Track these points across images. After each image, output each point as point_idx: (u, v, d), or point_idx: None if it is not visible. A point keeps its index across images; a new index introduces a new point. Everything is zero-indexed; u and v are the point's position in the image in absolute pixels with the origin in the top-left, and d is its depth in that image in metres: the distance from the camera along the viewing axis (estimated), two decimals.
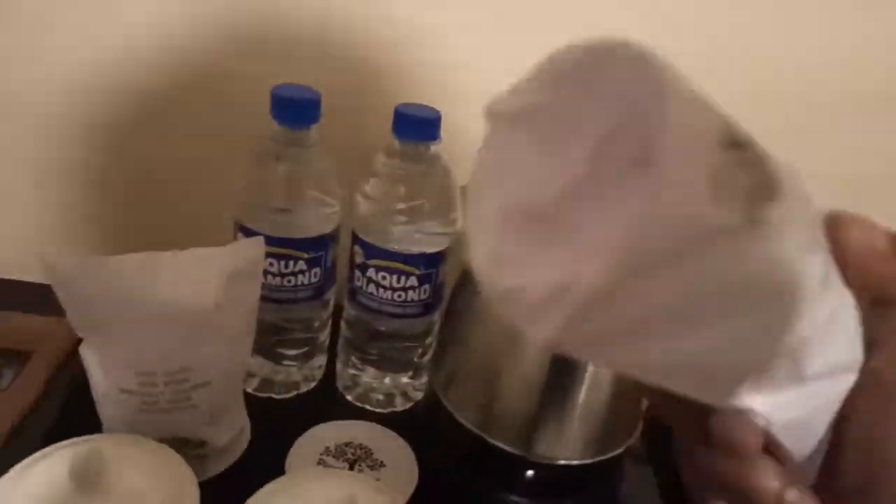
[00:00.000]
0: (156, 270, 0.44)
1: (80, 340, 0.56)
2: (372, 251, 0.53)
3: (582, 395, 0.47)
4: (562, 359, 0.47)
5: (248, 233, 0.52)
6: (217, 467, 0.49)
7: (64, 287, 0.42)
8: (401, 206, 0.52)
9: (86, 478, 0.36)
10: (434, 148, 0.52)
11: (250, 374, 0.57)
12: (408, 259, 0.53)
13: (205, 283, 0.44)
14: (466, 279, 0.52)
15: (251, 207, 0.52)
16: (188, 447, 0.46)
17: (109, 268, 0.43)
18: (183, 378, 0.45)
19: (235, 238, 0.53)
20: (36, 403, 0.51)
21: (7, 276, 0.66)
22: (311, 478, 0.42)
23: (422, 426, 0.56)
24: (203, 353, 0.45)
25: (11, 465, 0.38)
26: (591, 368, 0.46)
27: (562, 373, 0.47)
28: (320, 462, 0.50)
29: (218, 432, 0.48)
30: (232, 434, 0.50)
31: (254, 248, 0.46)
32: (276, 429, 0.52)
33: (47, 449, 0.39)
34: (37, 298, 0.57)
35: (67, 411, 0.52)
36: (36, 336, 0.57)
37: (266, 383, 0.57)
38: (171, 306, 0.43)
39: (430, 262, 0.53)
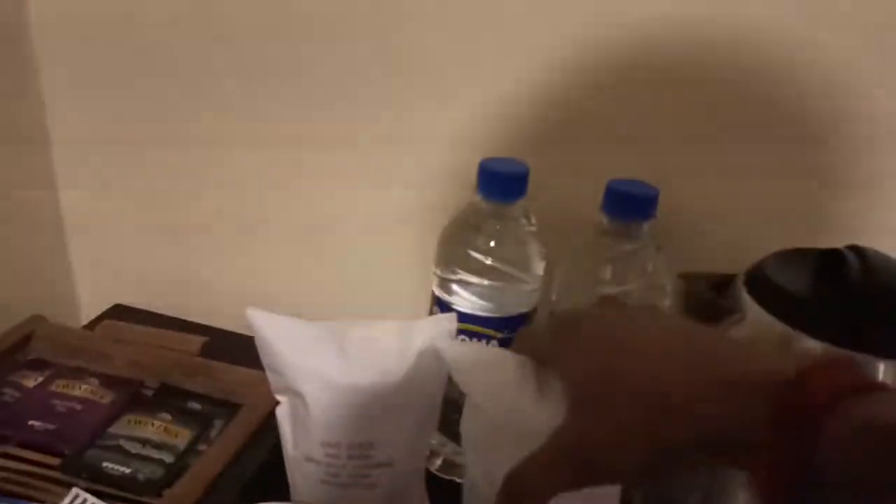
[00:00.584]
0: (352, 339, 0.44)
1: None
2: None
3: None
4: None
5: (445, 307, 0.50)
6: None
7: (263, 345, 0.43)
8: (607, 290, 0.47)
9: None
10: (646, 227, 0.47)
11: (433, 454, 0.55)
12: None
13: (395, 355, 0.43)
14: None
15: (448, 281, 0.51)
16: None
17: (310, 332, 0.43)
18: (366, 454, 0.43)
19: (431, 311, 0.52)
20: (237, 457, 0.53)
21: (228, 328, 0.72)
22: None
23: None
24: (388, 428, 0.43)
25: None
26: None
27: None
28: None
29: None
30: None
31: (447, 324, 0.45)
32: None
33: None
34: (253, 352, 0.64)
35: (266, 468, 0.54)
36: (248, 389, 0.60)
37: (449, 464, 0.55)
38: (362, 378, 0.42)
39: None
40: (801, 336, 0.37)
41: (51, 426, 0.56)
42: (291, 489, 0.47)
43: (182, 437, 0.56)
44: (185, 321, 0.75)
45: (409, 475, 0.46)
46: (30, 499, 0.49)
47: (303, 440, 0.44)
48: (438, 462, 0.55)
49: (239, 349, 0.65)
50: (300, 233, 0.70)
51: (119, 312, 0.77)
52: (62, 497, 0.50)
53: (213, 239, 0.73)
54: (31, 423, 0.56)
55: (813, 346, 0.37)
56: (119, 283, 0.79)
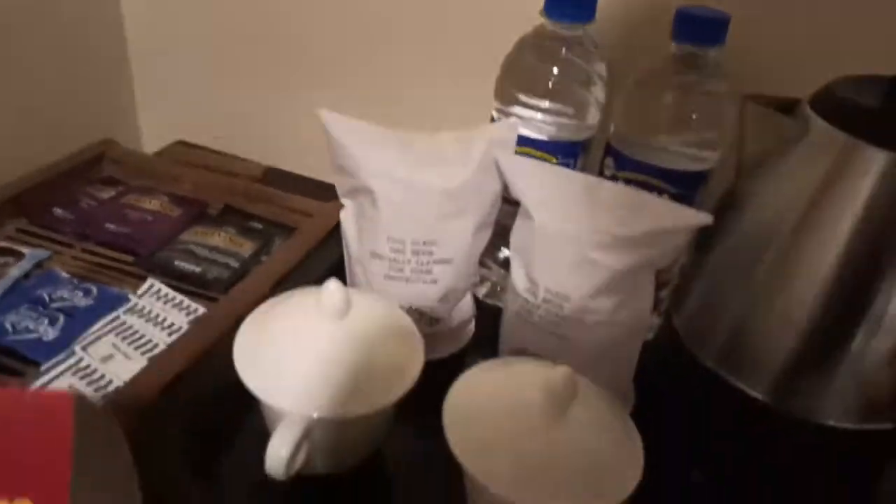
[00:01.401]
0: (417, 144, 0.46)
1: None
2: (624, 163, 0.50)
3: (858, 341, 0.40)
4: (839, 296, 0.40)
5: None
6: (441, 350, 0.50)
7: (336, 146, 0.46)
8: (666, 116, 0.48)
9: (331, 306, 0.39)
10: (715, 55, 0.47)
11: (483, 279, 0.57)
12: (664, 175, 0.49)
13: (458, 159, 0.45)
14: (727, 207, 0.47)
15: (509, 95, 0.51)
16: (422, 321, 0.48)
17: (378, 134, 0.45)
18: (428, 251, 0.46)
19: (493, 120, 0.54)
20: (298, 264, 0.57)
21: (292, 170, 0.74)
22: (529, 362, 0.41)
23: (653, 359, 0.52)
24: (450, 228, 0.46)
25: None
26: (875, 310, 0.39)
27: (837, 312, 0.40)
28: None
29: (450, 313, 0.50)
30: (461, 320, 0.51)
31: (507, 132, 0.46)
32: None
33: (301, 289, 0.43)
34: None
35: (321, 277, 0.57)
36: (305, 216, 0.63)
37: (495, 290, 0.57)
38: (427, 178, 0.44)
39: (689, 183, 0.49)
40: (863, 146, 0.38)
41: (125, 230, 0.60)
42: (352, 286, 0.50)
43: (246, 247, 0.59)
44: (243, 158, 0.77)
45: (465, 276, 0.49)
46: (107, 284, 0.54)
47: (369, 237, 0.47)
48: (486, 289, 0.58)
49: (293, 185, 0.69)
50: (362, 75, 0.71)
51: (180, 148, 0.80)
52: (134, 287, 0.54)
53: (273, 79, 0.75)
54: (107, 225, 0.60)
55: (876, 155, 0.38)
56: (181, 120, 0.81)
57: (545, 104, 0.50)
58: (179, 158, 0.68)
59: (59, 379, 0.44)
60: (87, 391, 0.44)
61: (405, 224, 0.45)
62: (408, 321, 0.42)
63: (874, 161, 0.38)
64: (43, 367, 0.45)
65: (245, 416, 0.44)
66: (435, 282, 0.47)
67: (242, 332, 0.40)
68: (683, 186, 0.49)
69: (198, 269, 0.56)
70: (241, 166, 0.67)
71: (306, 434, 0.36)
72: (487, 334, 0.52)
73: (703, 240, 0.50)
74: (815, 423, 0.43)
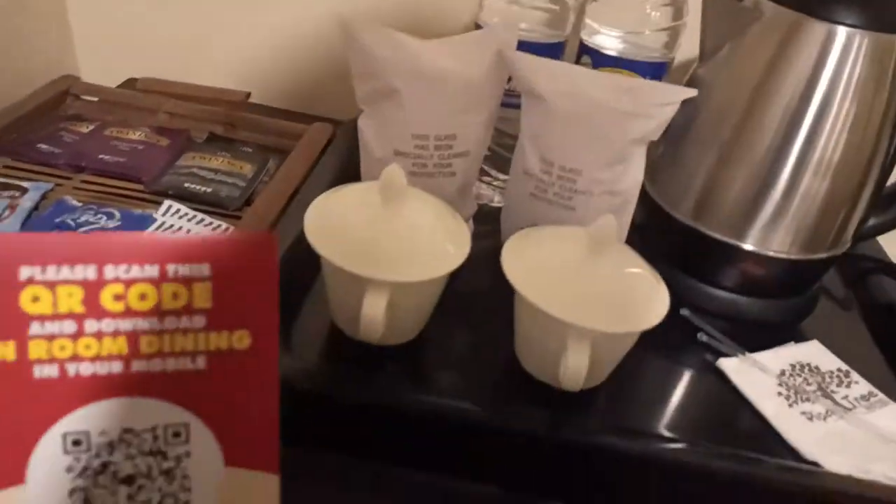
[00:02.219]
0: (434, 46, 0.51)
1: (329, 141, 0.65)
2: (600, 59, 0.58)
3: (804, 185, 0.50)
4: (788, 149, 0.50)
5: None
6: None
7: (360, 51, 0.49)
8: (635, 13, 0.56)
9: (390, 191, 0.44)
10: None
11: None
12: (634, 67, 0.57)
13: (475, 60, 0.50)
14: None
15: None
16: None
17: (399, 38, 0.50)
18: (448, 145, 0.51)
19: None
20: (303, 182, 0.60)
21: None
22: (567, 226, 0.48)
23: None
24: (467, 122, 0.51)
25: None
26: (816, 158, 0.50)
27: (786, 161, 0.50)
28: None
29: (465, 207, 0.56)
30: (469, 214, 0.57)
31: (510, 33, 0.52)
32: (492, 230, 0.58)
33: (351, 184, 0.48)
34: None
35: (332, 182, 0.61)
36: (293, 139, 0.66)
37: (479, 194, 0.64)
38: (449, 76, 0.49)
39: (655, 72, 0.57)
40: (806, 19, 0.47)
41: (120, 158, 0.60)
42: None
43: (246, 169, 0.62)
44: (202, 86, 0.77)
45: (475, 169, 0.55)
46: (124, 208, 0.55)
47: (392, 137, 0.51)
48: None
49: (267, 114, 0.71)
50: None
51: (136, 84, 0.79)
52: (153, 210, 0.55)
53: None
54: (100, 156, 0.60)
55: (817, 27, 0.47)
56: (126, 57, 0.79)
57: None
58: (150, 88, 0.68)
59: None
60: None
61: (429, 120, 0.50)
62: (451, 208, 0.48)
63: (816, 32, 0.48)
64: None
65: (302, 303, 0.48)
66: (454, 174, 0.53)
67: (310, 216, 0.44)
68: (651, 76, 0.57)
69: (208, 190, 0.58)
70: (219, 92, 0.68)
71: (390, 299, 0.42)
72: (481, 230, 0.59)
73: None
74: (766, 256, 0.53)
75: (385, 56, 0.49)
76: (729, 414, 0.47)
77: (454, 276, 0.44)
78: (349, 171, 0.55)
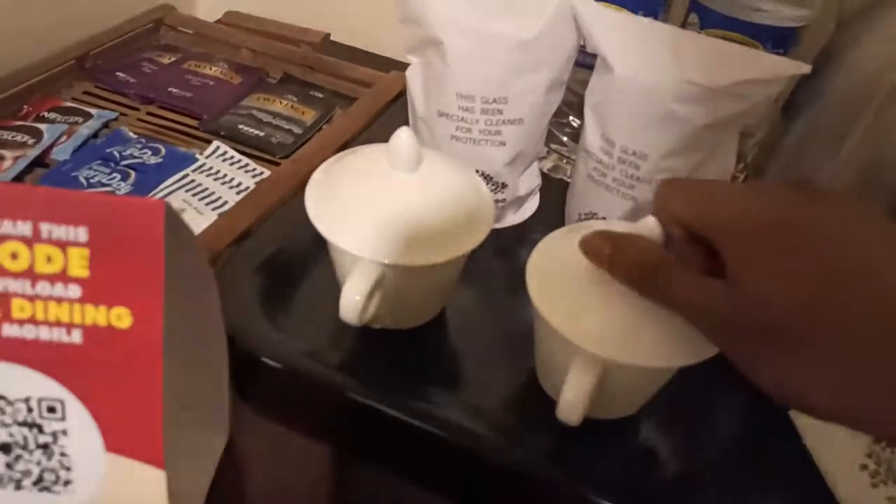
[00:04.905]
0: None
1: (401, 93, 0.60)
2: (710, 17, 0.47)
3: None
4: None
5: None
6: (505, 220, 0.50)
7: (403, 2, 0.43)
8: None
9: (402, 155, 0.38)
10: None
11: (548, 151, 0.56)
12: (753, 31, 0.45)
13: (534, 11, 0.43)
14: (821, 65, 0.44)
15: None
16: (489, 186, 0.47)
17: None
18: (498, 109, 0.44)
19: None
20: (355, 136, 0.56)
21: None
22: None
23: None
24: (522, 85, 0.44)
25: None
26: None
27: None
28: None
29: (518, 180, 0.49)
30: (527, 189, 0.50)
31: None
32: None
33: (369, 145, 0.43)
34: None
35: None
36: (366, 86, 0.62)
37: (560, 163, 0.56)
38: (500, 29, 0.42)
39: (780, 40, 0.46)
40: None
41: (188, 94, 0.59)
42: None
43: (308, 115, 0.59)
44: (302, 27, 0.75)
45: (535, 139, 0.47)
46: (173, 145, 0.54)
47: (436, 95, 0.45)
48: (550, 162, 0.56)
49: (350, 58, 0.67)
50: None
51: (231, 18, 0.78)
52: (200, 148, 0.54)
53: None
54: (171, 89, 0.59)
55: None
56: None
57: None
58: (237, 23, 0.66)
59: None
60: None
61: (475, 79, 0.44)
62: (477, 180, 0.41)
63: None
64: None
65: (313, 269, 0.45)
66: (503, 143, 0.46)
67: (314, 181, 0.39)
68: (774, 44, 0.46)
69: (261, 134, 0.56)
70: (300, 33, 0.65)
71: (379, 281, 0.37)
72: (551, 209, 0.51)
73: (793, 102, 0.47)
74: None
75: (432, 2, 0.43)
76: (791, 483, 0.38)
77: (488, 261, 0.37)
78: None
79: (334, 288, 0.38)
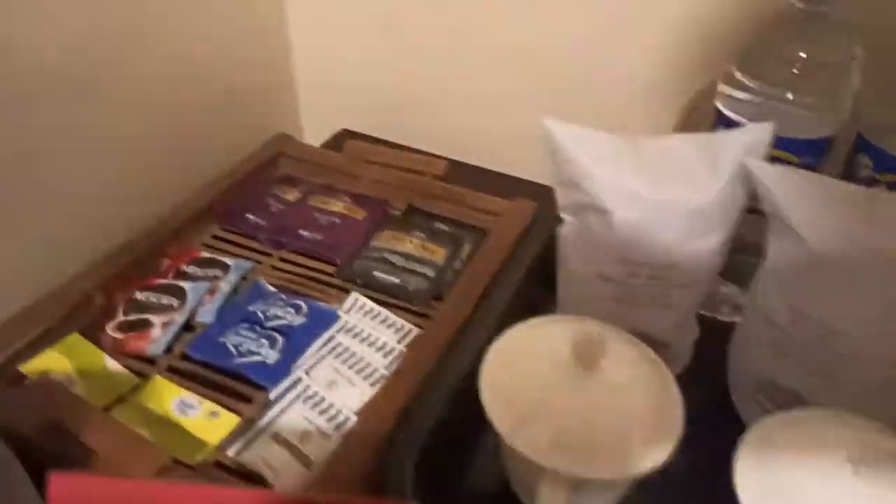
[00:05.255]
0: (651, 153, 0.42)
1: (530, 224, 0.58)
2: (887, 161, 0.44)
3: None
4: None
5: (728, 122, 0.46)
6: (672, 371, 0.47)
7: (564, 158, 0.42)
8: None
9: (586, 356, 0.36)
10: None
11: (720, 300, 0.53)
12: None
13: (708, 173, 0.40)
14: None
15: (740, 84, 0.45)
16: (651, 347, 0.44)
17: (608, 143, 0.41)
18: (668, 275, 0.42)
19: (713, 128, 0.48)
20: (495, 276, 0.54)
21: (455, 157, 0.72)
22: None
23: None
24: (694, 249, 0.41)
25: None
26: None
27: None
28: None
29: (683, 336, 0.46)
30: (691, 339, 0.47)
31: (761, 134, 0.41)
32: (720, 350, 0.47)
33: (545, 319, 0.41)
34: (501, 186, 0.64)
35: (524, 289, 0.55)
36: (493, 216, 0.60)
37: (713, 301, 0.53)
38: (673, 195, 0.40)
39: None
40: None
41: (319, 236, 0.59)
42: (562, 305, 0.47)
43: (438, 255, 0.57)
44: (424, 152, 0.75)
45: (702, 292, 0.44)
46: (308, 297, 0.53)
47: (596, 258, 0.43)
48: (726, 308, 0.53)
49: (471, 177, 0.66)
50: (539, 60, 0.66)
51: (345, 137, 0.79)
52: (337, 299, 0.53)
53: (443, 65, 0.71)
54: (300, 232, 0.59)
55: None
56: (343, 107, 0.80)
57: (788, 94, 0.44)
58: (357, 154, 0.66)
59: (290, 408, 0.44)
60: (319, 421, 0.44)
61: (645, 247, 0.41)
62: (667, 376, 0.38)
63: None
64: (272, 395, 0.45)
65: (476, 443, 0.43)
66: (670, 306, 0.43)
67: (489, 366, 0.38)
68: None
69: (397, 281, 0.54)
70: (422, 162, 0.64)
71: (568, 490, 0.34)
72: (706, 350, 0.48)
73: None
74: None
75: (592, 168, 0.41)
76: None
77: None
78: (546, 270, 0.49)
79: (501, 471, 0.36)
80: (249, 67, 0.71)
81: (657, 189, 0.40)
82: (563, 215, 0.45)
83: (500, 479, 0.41)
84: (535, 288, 0.54)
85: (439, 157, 0.65)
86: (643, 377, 0.37)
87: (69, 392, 0.42)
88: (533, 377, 0.37)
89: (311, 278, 0.56)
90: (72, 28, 0.52)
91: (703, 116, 0.52)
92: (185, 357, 0.49)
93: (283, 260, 0.58)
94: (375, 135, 0.78)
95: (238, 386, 0.47)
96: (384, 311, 0.52)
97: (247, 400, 0.46)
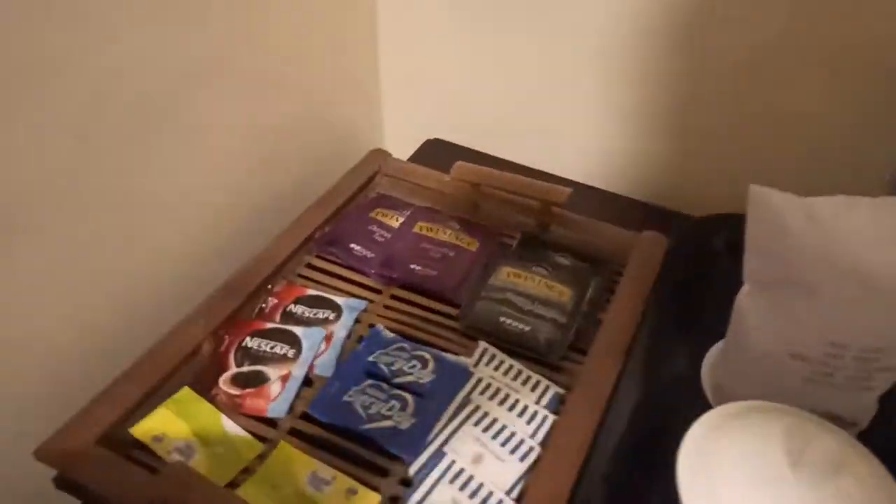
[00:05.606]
0: (856, 218, 0.37)
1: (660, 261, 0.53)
2: None
3: None
4: None
5: None
6: None
7: (767, 225, 0.37)
8: None
9: (814, 463, 0.32)
10: None
11: None
12: None
13: None
14: None
15: None
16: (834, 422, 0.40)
17: (828, 215, 0.36)
18: (875, 357, 0.37)
19: None
20: (635, 329, 0.49)
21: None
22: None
23: None
24: None
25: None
26: None
27: None
28: None
29: (868, 416, 0.41)
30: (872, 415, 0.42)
31: None
32: None
33: (743, 406, 0.36)
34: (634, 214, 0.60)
35: (669, 347, 0.50)
36: (616, 248, 0.56)
37: None
38: (888, 274, 0.35)
39: None
40: None
41: (431, 271, 0.54)
42: (734, 379, 0.43)
43: (565, 295, 0.52)
44: (503, 160, 0.70)
45: None
46: (431, 345, 0.49)
47: (791, 336, 0.38)
48: None
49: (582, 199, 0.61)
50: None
51: (435, 148, 0.73)
52: (462, 347, 0.49)
53: (532, 78, 0.66)
54: (412, 266, 0.54)
55: None
56: (429, 117, 0.74)
57: None
58: (463, 176, 0.60)
59: (437, 488, 0.40)
60: None
61: (854, 328, 0.36)
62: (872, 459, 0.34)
63: None
64: (412, 470, 0.41)
65: None
66: (870, 388, 0.39)
67: (686, 459, 0.33)
68: None
69: (526, 329, 0.50)
70: (540, 189, 0.58)
71: None
72: None
73: None
74: None
75: (802, 241, 0.36)
76: None
77: None
78: (692, 313, 0.44)
79: None
80: (340, 81, 0.66)
81: (874, 261, 0.35)
82: (748, 283, 0.40)
83: None
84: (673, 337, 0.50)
85: (561, 180, 0.60)
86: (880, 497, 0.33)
87: (202, 479, 0.37)
88: (741, 474, 0.33)
89: (429, 321, 0.51)
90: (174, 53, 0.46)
91: None
92: (305, 416, 0.45)
93: (394, 297, 0.53)
94: (466, 145, 0.73)
95: (364, 452, 0.43)
96: (516, 364, 0.48)
97: (382, 473, 0.42)
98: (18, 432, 0.41)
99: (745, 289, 0.40)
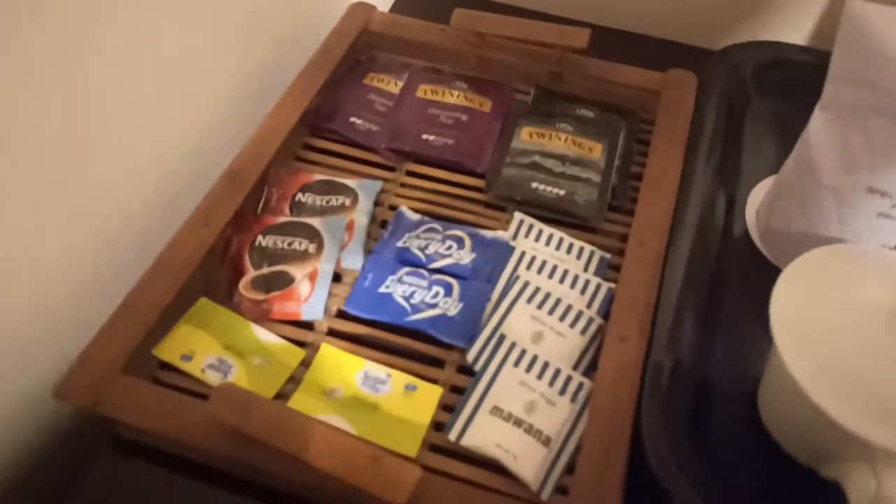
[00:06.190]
0: None
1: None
2: None
3: None
4: None
5: None
6: None
7: (860, 47, 0.32)
8: None
9: None
10: None
11: None
12: None
13: None
14: None
15: None
16: None
17: None
18: None
19: None
20: (682, 189, 0.46)
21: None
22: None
23: None
24: None
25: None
26: None
27: None
28: None
29: None
30: None
31: None
32: None
33: (845, 247, 0.35)
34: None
35: (715, 196, 0.47)
36: (643, 93, 0.51)
37: None
38: None
39: None
40: None
41: (448, 140, 0.49)
42: (798, 216, 0.40)
43: (595, 151, 0.48)
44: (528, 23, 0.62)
45: None
46: (463, 222, 0.45)
47: (870, 168, 0.35)
48: None
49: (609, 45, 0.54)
50: None
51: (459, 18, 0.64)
52: (495, 221, 0.45)
53: None
54: (424, 136, 0.49)
55: None
56: None
57: None
58: (467, 25, 0.53)
59: (501, 372, 0.37)
60: (539, 386, 0.37)
61: None
62: None
63: None
64: (470, 356, 0.38)
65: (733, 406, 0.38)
66: None
67: (779, 308, 0.31)
68: None
69: (562, 193, 0.46)
70: (555, 33, 0.51)
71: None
72: None
73: None
74: None
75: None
76: None
77: None
78: (731, 154, 0.43)
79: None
80: None
81: None
82: (823, 109, 0.36)
83: (755, 424, 0.37)
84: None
85: (579, 23, 0.53)
86: None
87: (258, 398, 0.33)
88: (838, 320, 0.31)
89: (452, 195, 0.47)
90: None
91: None
92: (342, 314, 0.41)
93: (410, 174, 0.48)
94: None
95: (414, 345, 0.39)
96: (556, 233, 0.44)
97: (438, 364, 0.39)
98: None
99: (817, 119, 0.36)
